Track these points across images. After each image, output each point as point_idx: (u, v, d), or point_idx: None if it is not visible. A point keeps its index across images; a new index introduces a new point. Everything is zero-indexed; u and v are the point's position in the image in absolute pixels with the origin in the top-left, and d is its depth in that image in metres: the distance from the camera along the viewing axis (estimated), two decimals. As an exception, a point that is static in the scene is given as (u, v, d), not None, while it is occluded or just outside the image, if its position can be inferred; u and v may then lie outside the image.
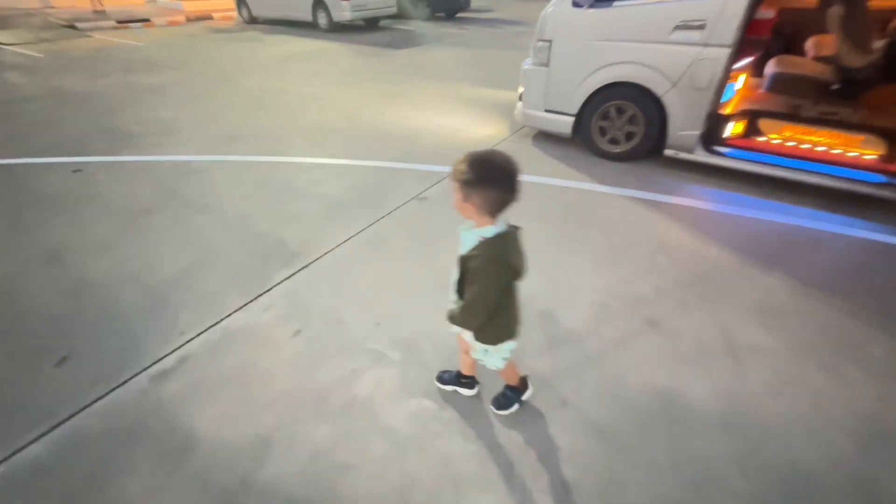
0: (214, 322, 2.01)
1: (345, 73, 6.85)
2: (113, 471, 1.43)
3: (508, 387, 1.61)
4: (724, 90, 3.01)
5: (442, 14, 12.60)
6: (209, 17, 13.34)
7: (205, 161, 3.67)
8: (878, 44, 3.43)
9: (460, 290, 1.29)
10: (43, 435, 1.53)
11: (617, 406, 1.63)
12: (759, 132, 3.22)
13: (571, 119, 3.63)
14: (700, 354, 1.84)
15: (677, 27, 2.93)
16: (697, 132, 3.14)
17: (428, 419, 1.59)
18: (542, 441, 1.51)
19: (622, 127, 3.47)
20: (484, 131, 4.27)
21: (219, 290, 2.21)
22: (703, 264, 2.39)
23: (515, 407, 1.60)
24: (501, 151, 1.11)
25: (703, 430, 1.54)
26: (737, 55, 2.84)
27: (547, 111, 3.74)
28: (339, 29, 10.48)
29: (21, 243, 2.59)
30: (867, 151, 2.94)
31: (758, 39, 3.35)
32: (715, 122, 3.12)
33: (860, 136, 3.01)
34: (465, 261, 1.21)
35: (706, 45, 2.87)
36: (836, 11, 3.22)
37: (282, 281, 2.26)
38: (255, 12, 11.86)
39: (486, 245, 1.15)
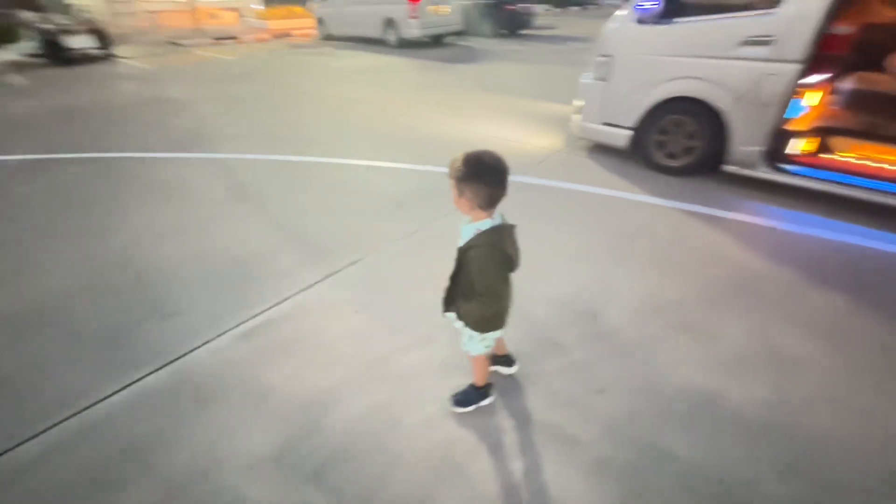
0: (290, 295, 2.30)
1: (410, 85, 7.28)
2: (209, 400, 1.72)
3: (473, 386, 1.66)
4: (793, 106, 2.94)
5: (505, 31, 12.92)
6: (290, 35, 14.59)
7: (284, 160, 4.11)
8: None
9: (454, 280, 1.39)
10: (155, 371, 1.86)
11: (653, 401, 1.69)
12: (830, 150, 3.09)
13: (629, 132, 3.68)
14: (741, 362, 1.85)
15: (743, 42, 2.93)
16: (761, 148, 3.08)
17: (472, 393, 1.74)
18: (576, 421, 1.61)
19: (681, 141, 3.47)
20: (540, 142, 4.40)
21: (294, 269, 2.51)
22: (752, 278, 2.36)
23: (472, 408, 1.65)
24: (493, 151, 1.19)
25: (740, 434, 1.56)
26: (807, 71, 2.79)
27: (604, 124, 3.82)
28: (407, 45, 11.09)
29: (137, 222, 3.08)
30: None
31: (835, 55, 3.22)
32: (781, 138, 3.05)
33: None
34: (462, 252, 1.30)
35: (774, 60, 2.84)
36: (923, 27, 3.05)
37: (347, 266, 2.53)
38: (331, 30, 12.84)
39: (483, 235, 1.25)
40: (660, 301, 2.21)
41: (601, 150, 4.12)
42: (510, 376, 1.81)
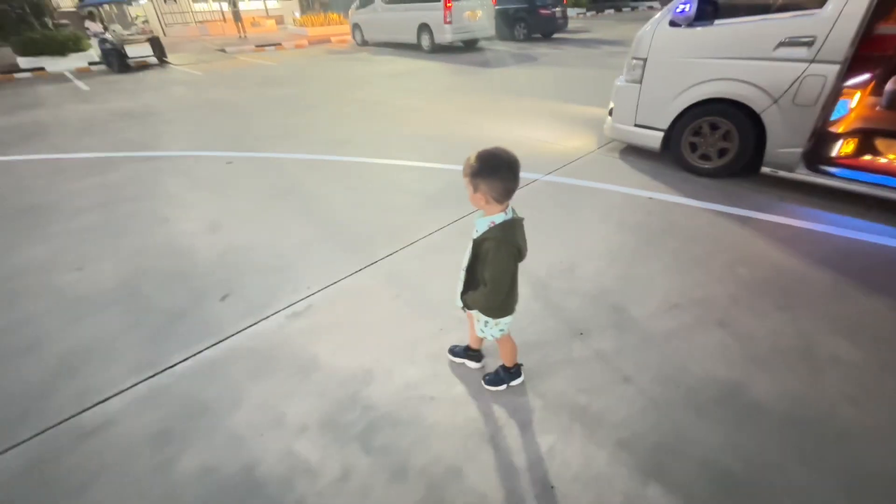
0: (332, 282, 2.48)
1: (443, 89, 7.45)
2: (262, 372, 1.90)
3: (503, 367, 1.76)
4: (834, 107, 2.89)
5: (538, 35, 12.94)
6: (328, 41, 15.13)
7: (323, 160, 4.34)
8: None
9: (470, 272, 1.47)
10: (214, 345, 2.06)
11: (677, 390, 1.74)
12: (875, 151, 3.02)
13: (661, 134, 3.69)
14: (772, 358, 1.87)
15: (782, 43, 2.91)
16: (800, 150, 3.04)
17: (501, 375, 1.85)
18: (601, 405, 1.69)
19: (715, 143, 3.45)
20: (572, 144, 4.46)
21: (336, 258, 2.69)
22: (786, 278, 2.36)
23: (503, 387, 1.75)
24: (505, 148, 1.26)
25: (764, 423, 1.60)
26: (848, 72, 2.74)
27: (637, 126, 3.84)
28: (440, 50, 11.31)
29: (192, 213, 3.35)
30: None
31: (880, 56, 3.14)
32: (821, 139, 2.99)
33: None
34: (477, 244, 1.38)
35: (814, 61, 2.81)
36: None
37: (385, 257, 2.69)
38: (367, 36, 13.24)
39: (497, 229, 1.32)
40: (689, 298, 2.25)
41: (633, 151, 4.13)
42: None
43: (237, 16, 16.99)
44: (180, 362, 1.97)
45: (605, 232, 2.87)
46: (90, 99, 7.70)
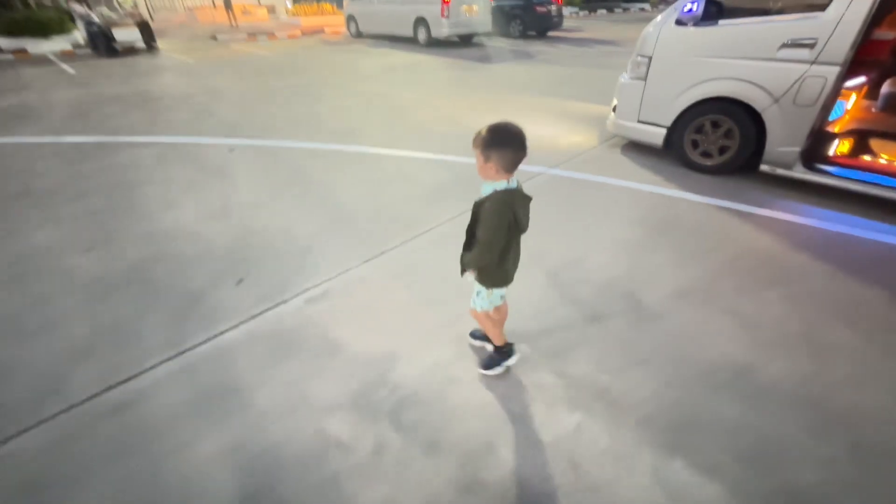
0: (347, 269, 2.49)
1: (443, 83, 7.46)
2: (284, 354, 1.91)
3: (495, 347, 1.81)
4: (832, 108, 3.01)
5: (533, 32, 13.01)
6: (321, 32, 14.94)
7: (327, 149, 4.33)
8: None
9: (470, 233, 1.53)
10: (237, 326, 2.07)
11: (692, 371, 1.82)
12: (870, 152, 3.15)
13: (664, 131, 3.78)
14: (778, 343, 1.96)
15: (785, 45, 3.01)
16: (798, 149, 3.16)
17: (524, 357, 1.89)
18: (621, 385, 1.75)
19: (716, 140, 3.55)
20: (574, 139, 4.53)
21: (348, 245, 2.70)
22: (789, 269, 2.46)
23: (500, 369, 1.80)
24: (512, 122, 1.34)
25: (779, 401, 1.68)
26: (847, 74, 2.86)
27: (640, 122, 3.92)
28: (436, 44, 11.29)
29: (197, 200, 3.31)
30: None
31: (875, 60, 3.27)
32: (819, 139, 3.11)
33: None
34: (478, 205, 1.45)
35: (815, 62, 2.92)
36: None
37: (399, 244, 2.71)
38: (362, 28, 13.12)
39: (499, 193, 1.39)
40: (696, 286, 2.33)
41: (634, 147, 4.22)
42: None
43: (228, 3, 16.65)
44: (201, 343, 1.97)
45: (612, 224, 2.94)
46: (78, 83, 7.48)
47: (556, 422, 1.62)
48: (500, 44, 11.83)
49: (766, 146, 3.29)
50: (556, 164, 3.84)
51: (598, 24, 16.38)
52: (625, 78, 3.98)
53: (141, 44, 11.08)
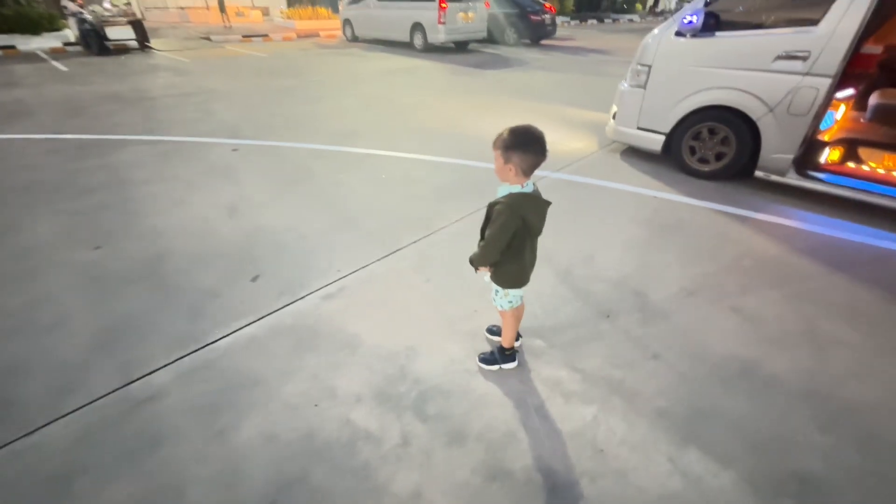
0: (362, 266, 2.52)
1: (441, 87, 7.54)
2: (306, 348, 1.94)
3: (500, 348, 1.86)
4: (823, 118, 3.15)
5: (527, 40, 13.22)
6: (316, 35, 14.96)
7: (331, 150, 4.36)
8: None
9: (483, 232, 1.55)
10: (256, 321, 2.09)
11: (702, 366, 1.89)
12: (858, 160, 3.30)
13: (663, 137, 3.90)
14: (783, 339, 2.05)
15: (780, 57, 3.15)
16: (791, 156, 3.29)
17: (539, 352, 1.95)
18: (635, 379, 1.82)
19: (713, 147, 3.68)
20: (574, 145, 4.63)
21: (361, 244, 2.74)
22: (788, 270, 2.56)
23: (496, 367, 1.84)
24: (533, 125, 1.37)
25: (783, 395, 1.76)
26: (838, 85, 3.00)
27: (640, 129, 4.04)
28: (432, 49, 11.41)
29: (203, 197, 3.31)
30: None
31: (863, 73, 3.44)
32: (811, 147, 3.25)
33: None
34: (491, 206, 1.48)
35: (808, 74, 3.06)
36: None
37: (411, 243, 2.75)
38: (358, 32, 13.19)
39: (512, 196, 1.42)
40: (700, 285, 2.41)
41: (633, 152, 4.34)
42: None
43: (222, 4, 16.58)
44: (222, 338, 1.98)
45: (617, 226, 3.03)
46: (71, 80, 7.39)
47: (576, 413, 1.67)
48: (496, 51, 11.99)
49: (761, 153, 3.43)
50: (559, 168, 3.93)
51: (589, 34, 16.71)
52: (624, 86, 4.09)
53: (134, 43, 10.97)
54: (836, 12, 2.87)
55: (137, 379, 1.76)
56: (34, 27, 11.59)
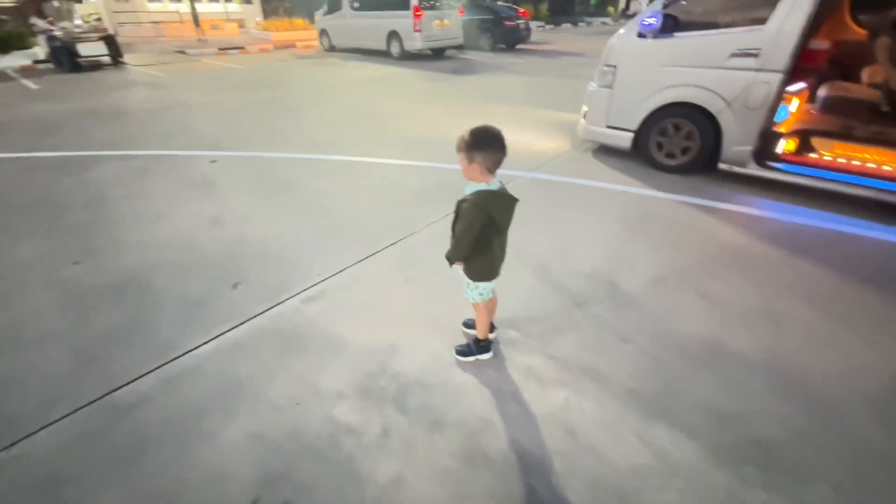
0: (342, 269, 2.58)
1: (419, 94, 7.65)
2: (290, 350, 1.99)
3: (475, 339, 1.93)
4: (777, 111, 3.33)
5: (503, 45, 13.45)
6: (293, 46, 14.97)
7: (311, 158, 4.41)
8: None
9: (454, 229, 1.65)
10: (237, 326, 2.13)
11: (670, 347, 2.00)
12: (812, 149, 3.49)
13: (631, 134, 4.05)
14: (741, 318, 2.17)
15: (734, 54, 3.33)
16: (750, 148, 3.46)
17: (514, 342, 2.03)
18: (606, 361, 1.91)
19: (679, 142, 3.84)
20: (548, 145, 4.76)
21: (340, 248, 2.80)
22: (750, 256, 2.71)
23: (471, 359, 1.91)
24: (491, 125, 1.46)
25: (746, 369, 1.88)
26: (788, 80, 3.18)
27: (609, 127, 4.19)
28: (409, 57, 11.52)
29: (186, 211, 3.33)
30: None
31: (813, 68, 3.64)
32: (768, 139, 3.43)
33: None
34: (459, 204, 1.57)
35: (760, 70, 3.23)
36: (883, 42, 3.50)
37: (389, 245, 2.82)
38: (335, 42, 13.25)
39: (479, 194, 1.50)
40: (668, 273, 2.54)
41: (605, 151, 4.49)
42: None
43: (196, 18, 16.48)
44: (204, 344, 2.02)
45: (590, 221, 3.15)
46: (44, 98, 7.30)
47: (550, 397, 1.76)
48: (472, 56, 12.18)
49: (723, 146, 3.60)
50: (533, 169, 4.04)
51: (564, 37, 17.06)
52: (593, 86, 4.25)
53: (107, 59, 10.84)
54: (782, 12, 3.06)
55: (121, 386, 1.79)
56: (2, 46, 11.38)
